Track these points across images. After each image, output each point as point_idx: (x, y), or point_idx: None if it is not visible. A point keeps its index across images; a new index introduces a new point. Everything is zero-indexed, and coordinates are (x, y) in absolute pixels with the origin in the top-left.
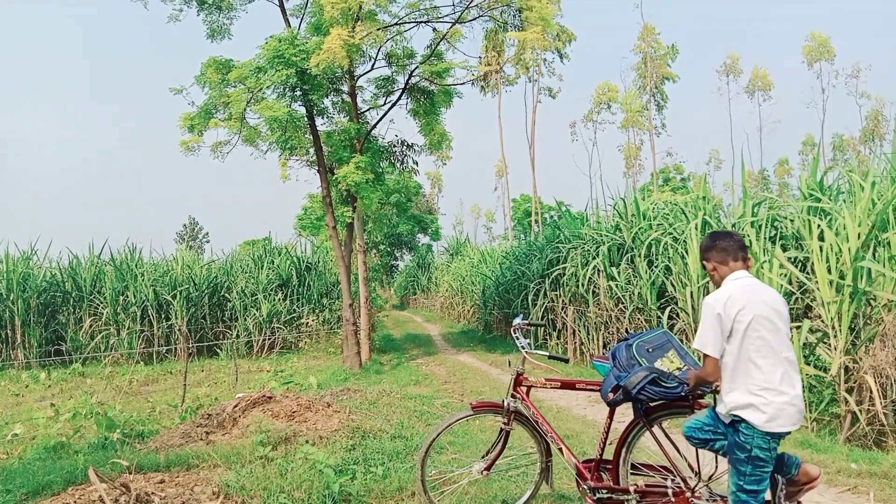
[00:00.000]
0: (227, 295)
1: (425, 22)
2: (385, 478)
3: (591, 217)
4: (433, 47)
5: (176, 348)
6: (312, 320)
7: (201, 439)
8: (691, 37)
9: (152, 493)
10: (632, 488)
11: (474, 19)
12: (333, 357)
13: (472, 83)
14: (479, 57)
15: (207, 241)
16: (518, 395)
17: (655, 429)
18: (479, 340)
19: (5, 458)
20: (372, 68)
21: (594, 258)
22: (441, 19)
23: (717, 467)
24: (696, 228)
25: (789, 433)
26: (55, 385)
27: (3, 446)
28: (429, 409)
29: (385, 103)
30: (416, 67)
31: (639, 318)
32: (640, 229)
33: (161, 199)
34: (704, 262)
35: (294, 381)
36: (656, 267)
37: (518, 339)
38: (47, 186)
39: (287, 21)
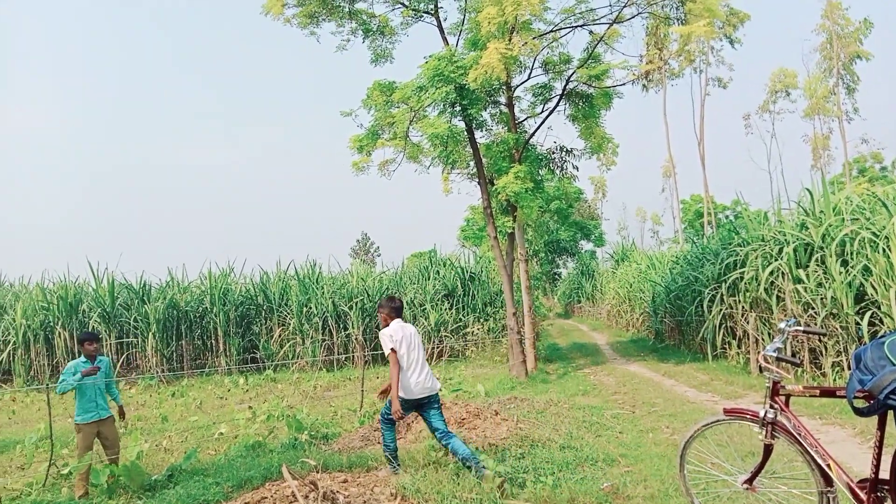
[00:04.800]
0: None
1: (581, 26)
2: (555, 488)
3: (771, 215)
4: (590, 50)
5: (353, 356)
6: (478, 329)
7: (379, 442)
8: (890, 7)
9: (337, 491)
10: None
11: (632, 17)
12: (499, 365)
13: (633, 82)
14: (640, 55)
15: (378, 255)
16: (777, 406)
17: None
18: (650, 350)
19: (214, 454)
20: (529, 77)
21: (776, 260)
22: (597, 21)
23: None
24: None
25: (424, 399)
26: (252, 389)
27: (211, 444)
28: (598, 419)
29: (542, 111)
30: (574, 72)
31: (832, 325)
32: (830, 226)
33: (336, 216)
34: (380, 312)
35: (462, 388)
36: (852, 267)
37: (774, 341)
38: (240, 208)
39: (445, 40)
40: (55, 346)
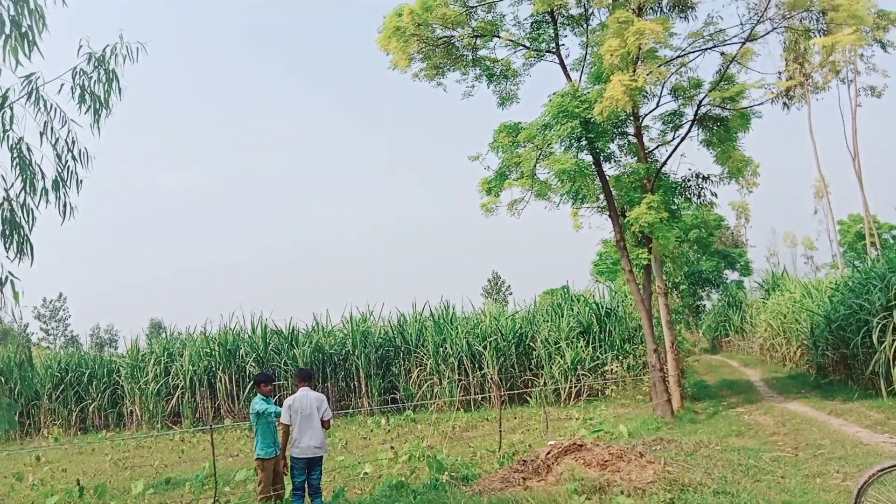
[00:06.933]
0: (531, 343)
1: (711, 48)
2: None
3: None
4: (722, 72)
5: (490, 396)
6: (617, 367)
7: (519, 485)
8: None
9: None
10: None
11: (767, 34)
12: (642, 405)
13: (772, 101)
14: (778, 72)
15: (510, 294)
16: None
17: None
18: (811, 386)
19: (360, 493)
20: (657, 105)
21: None
22: (728, 42)
23: None
24: None
25: (309, 458)
26: (393, 429)
27: (357, 483)
28: (756, 463)
29: (674, 138)
30: (705, 96)
31: None
32: None
33: (466, 256)
34: (295, 380)
35: (603, 429)
36: None
37: None
38: (372, 251)
39: (567, 76)
40: (217, 389)
